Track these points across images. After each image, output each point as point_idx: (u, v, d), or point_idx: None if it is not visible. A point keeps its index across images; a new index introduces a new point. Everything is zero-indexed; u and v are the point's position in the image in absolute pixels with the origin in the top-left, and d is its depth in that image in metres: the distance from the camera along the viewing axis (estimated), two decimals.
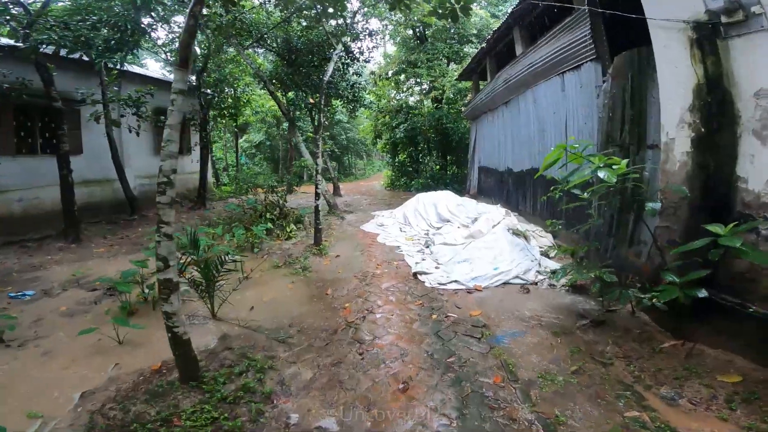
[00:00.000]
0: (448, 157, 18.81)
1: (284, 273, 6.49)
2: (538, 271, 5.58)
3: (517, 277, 5.46)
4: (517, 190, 9.18)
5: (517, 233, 6.69)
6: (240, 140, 28.51)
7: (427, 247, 7.54)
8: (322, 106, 9.24)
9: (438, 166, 18.87)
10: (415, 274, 6.01)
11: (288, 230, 9.31)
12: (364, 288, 5.61)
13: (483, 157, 11.82)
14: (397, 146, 19.24)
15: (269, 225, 9.34)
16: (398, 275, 6.16)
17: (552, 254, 6.34)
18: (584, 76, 6.20)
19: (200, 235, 5.92)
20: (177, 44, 11.68)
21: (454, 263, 6.14)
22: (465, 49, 17.46)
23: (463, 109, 18.10)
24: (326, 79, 8.77)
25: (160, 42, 13.59)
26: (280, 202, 10.63)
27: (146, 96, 9.53)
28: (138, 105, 9.34)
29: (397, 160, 20.18)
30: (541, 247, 6.47)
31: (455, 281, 5.51)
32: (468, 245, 6.75)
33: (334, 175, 16.58)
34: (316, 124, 16.41)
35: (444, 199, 9.31)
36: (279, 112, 22.58)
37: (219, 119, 18.91)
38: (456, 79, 14.73)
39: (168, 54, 13.85)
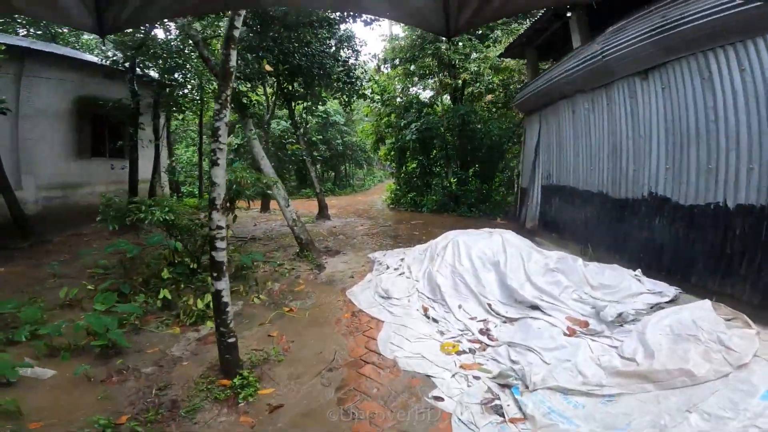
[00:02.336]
0: (471, 169, 14.35)
1: None
2: None
3: None
4: (689, 240, 4.49)
5: None
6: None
7: (507, 386, 3.07)
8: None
9: (455, 180, 14.43)
10: None
11: (197, 306, 4.79)
12: None
13: (555, 171, 7.28)
14: (405, 152, 14.80)
15: (166, 293, 4.86)
16: None
17: None
18: None
19: None
20: None
21: None
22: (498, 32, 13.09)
23: (489, 101, 13.73)
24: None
25: None
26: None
27: None
28: None
29: (404, 170, 15.72)
30: None
31: None
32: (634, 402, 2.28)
33: (320, 189, 12.07)
34: (295, 118, 12.00)
35: (511, 250, 4.80)
36: (262, 111, 18.25)
37: (175, 113, 14.56)
38: (499, 56, 10.30)
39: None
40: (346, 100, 12.72)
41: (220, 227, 2.98)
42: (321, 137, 21.54)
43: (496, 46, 11.90)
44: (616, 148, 5.37)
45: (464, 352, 3.92)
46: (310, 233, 10.00)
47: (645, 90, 4.90)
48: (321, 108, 21.83)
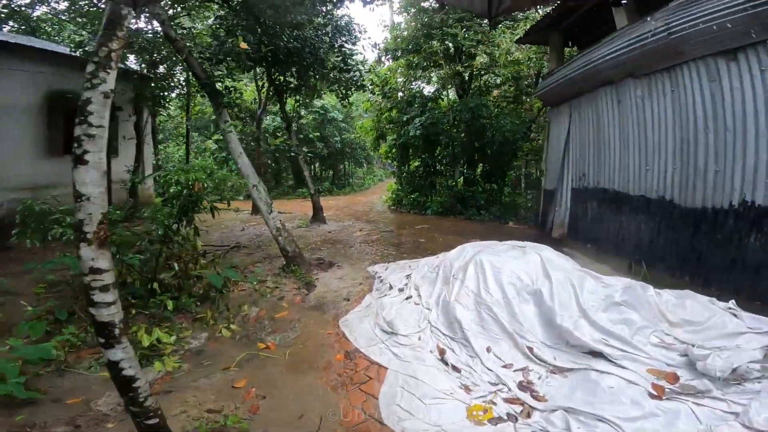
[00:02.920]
0: (479, 167, 13.22)
1: None
2: None
3: None
4: None
5: None
6: (209, 141, 23.01)
7: None
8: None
9: (461, 179, 13.29)
10: None
11: (142, 343, 3.70)
12: None
13: (592, 171, 6.08)
14: (408, 150, 13.64)
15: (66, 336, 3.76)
16: None
17: None
18: None
19: None
20: None
21: None
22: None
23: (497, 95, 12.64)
24: None
25: None
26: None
27: None
28: None
29: (406, 168, 14.56)
30: None
31: None
32: None
33: (314, 190, 10.94)
34: (286, 112, 10.87)
35: (556, 275, 3.65)
36: (254, 105, 17.12)
37: (156, 108, 13.47)
38: (518, 41, 9.10)
39: None
40: (344, 92, 11.58)
41: (96, 270, 1.79)
42: (318, 134, 20.39)
43: (512, 32, 10.78)
44: (687, 144, 4.23)
45: (501, 419, 2.81)
46: (302, 240, 8.89)
47: (733, 73, 3.76)
48: (318, 104, 20.71)
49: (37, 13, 14.36)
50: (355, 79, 11.14)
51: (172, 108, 15.92)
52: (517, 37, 9.85)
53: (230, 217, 13.36)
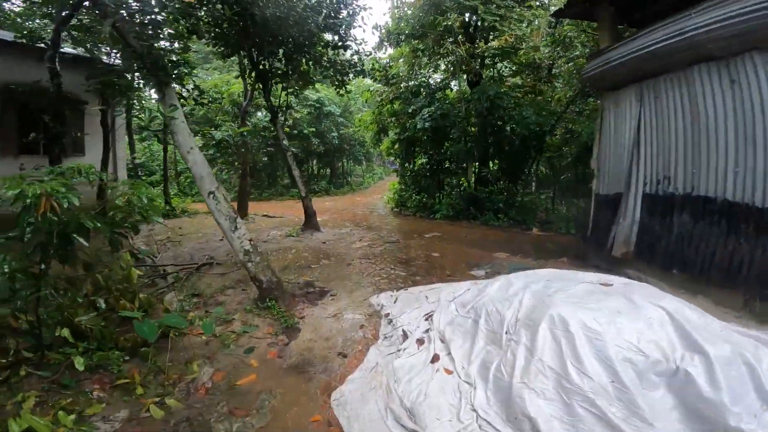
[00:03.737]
0: (492, 164, 11.66)
1: None
2: None
3: None
4: None
5: None
6: (197, 137, 21.35)
7: None
8: None
9: (473, 178, 11.75)
10: None
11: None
12: None
13: (680, 174, 4.39)
14: (414, 145, 12.06)
15: None
16: None
17: None
18: None
19: None
20: None
21: None
22: None
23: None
24: None
25: None
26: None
27: None
28: None
29: (410, 166, 12.98)
30: None
31: None
32: None
33: (306, 192, 9.38)
34: (271, 102, 9.33)
35: (713, 348, 2.06)
36: (241, 98, 15.55)
37: (130, 102, 11.85)
38: (555, 15, 7.46)
39: None
40: (340, 79, 10.02)
41: None
42: (314, 130, 18.79)
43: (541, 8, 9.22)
44: None
45: None
46: (290, 255, 7.35)
47: None
48: (313, 97, 19.10)
49: None
50: (353, 62, 9.59)
51: (148, 99, 14.29)
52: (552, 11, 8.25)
53: (207, 223, 11.84)
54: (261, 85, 8.95)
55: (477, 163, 11.61)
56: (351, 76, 9.95)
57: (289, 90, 10.19)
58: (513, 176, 11.16)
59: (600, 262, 5.50)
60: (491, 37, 10.67)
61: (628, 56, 4.98)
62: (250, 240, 4.39)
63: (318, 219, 11.60)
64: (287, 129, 17.24)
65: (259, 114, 17.87)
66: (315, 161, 22.82)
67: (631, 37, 5.18)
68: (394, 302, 4.55)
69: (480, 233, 9.36)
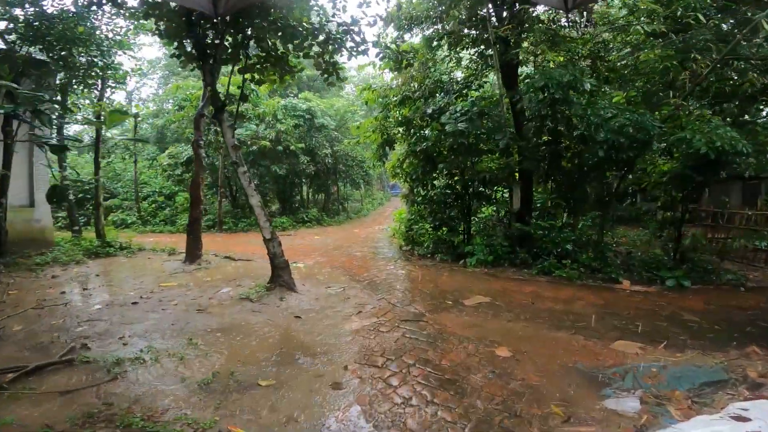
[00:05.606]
0: (547, 186, 8.30)
1: None
2: None
3: None
4: None
5: None
6: (162, 154, 18.12)
7: None
8: None
9: (516, 206, 8.35)
10: None
11: None
12: None
13: None
14: (434, 160, 8.65)
15: None
16: None
17: None
18: None
19: None
20: None
21: None
22: None
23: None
24: None
25: None
26: None
27: None
28: None
29: (428, 188, 9.59)
30: None
31: None
32: None
33: (271, 232, 5.89)
34: (215, 92, 6.07)
35: None
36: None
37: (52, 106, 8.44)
38: None
39: None
40: (331, 64, 6.80)
41: None
42: (302, 146, 15.56)
43: None
44: None
45: None
46: (229, 343, 3.84)
47: None
48: (302, 106, 15.97)
49: None
50: (352, 30, 6.36)
51: (84, 103, 11.08)
52: None
53: (154, 266, 8.46)
54: (199, 62, 5.67)
55: (525, 185, 8.22)
56: (354, 54, 6.65)
57: (257, 77, 6.92)
58: (575, 203, 7.77)
59: None
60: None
61: None
62: None
63: (299, 264, 8.12)
64: (266, 143, 13.96)
65: (246, 127, 14.58)
66: (306, 185, 19.51)
67: None
68: None
69: (550, 294, 5.87)
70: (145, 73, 22.75)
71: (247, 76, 6.66)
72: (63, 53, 8.06)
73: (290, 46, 6.49)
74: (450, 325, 4.67)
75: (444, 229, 9.12)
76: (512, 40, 7.79)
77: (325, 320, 4.90)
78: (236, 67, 6.71)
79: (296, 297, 5.71)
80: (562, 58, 8.65)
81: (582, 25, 9.14)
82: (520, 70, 9.24)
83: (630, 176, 7.26)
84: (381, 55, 6.80)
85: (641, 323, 4.80)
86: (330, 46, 6.43)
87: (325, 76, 7.00)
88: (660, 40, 7.39)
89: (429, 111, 8.21)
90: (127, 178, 18.29)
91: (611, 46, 8.59)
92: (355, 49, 6.76)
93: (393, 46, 7.51)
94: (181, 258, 8.93)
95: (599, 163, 6.66)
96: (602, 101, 6.93)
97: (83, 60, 8.70)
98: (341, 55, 7.03)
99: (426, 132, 8.08)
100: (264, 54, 6.65)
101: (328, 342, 4.24)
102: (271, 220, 6.04)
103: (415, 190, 10.03)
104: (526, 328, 4.65)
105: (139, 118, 18.88)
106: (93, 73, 9.15)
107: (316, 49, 6.57)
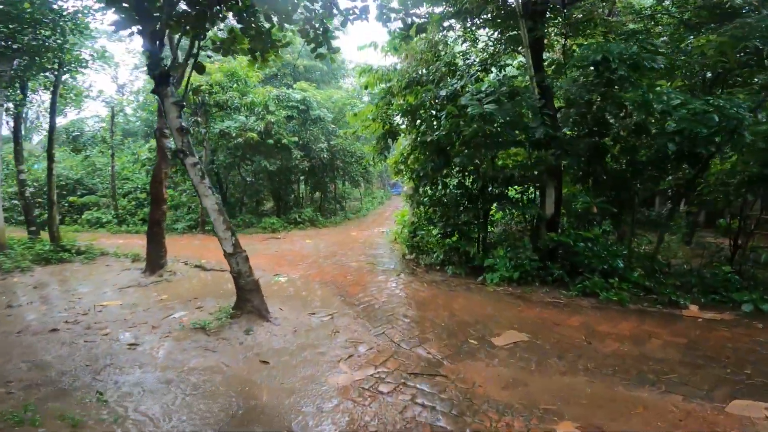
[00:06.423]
0: (584, 188, 6.85)
1: None
2: None
3: None
4: None
5: None
6: (142, 148, 16.70)
7: None
8: None
9: (551, 211, 6.91)
10: None
11: None
12: None
13: None
14: (447, 152, 7.18)
15: None
16: None
17: None
18: None
19: None
20: None
21: None
22: None
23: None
24: None
25: None
26: None
27: None
28: None
29: (435, 190, 8.16)
30: None
31: None
32: None
33: (234, 244, 4.42)
34: (159, 65, 4.60)
35: None
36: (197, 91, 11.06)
37: None
38: None
39: None
40: (321, 30, 5.38)
41: None
42: (296, 140, 14.11)
43: None
44: None
45: None
46: (143, 417, 2.37)
47: None
48: (296, 96, 14.54)
49: None
50: None
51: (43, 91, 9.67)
52: None
53: (107, 277, 7.02)
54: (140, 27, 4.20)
55: (558, 185, 6.75)
56: (350, 19, 5.24)
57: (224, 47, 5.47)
58: (621, 208, 6.33)
59: None
60: None
61: None
62: None
63: (281, 278, 6.71)
64: (253, 134, 12.51)
65: (242, 116, 13.05)
66: (302, 183, 18.05)
67: None
68: None
69: (606, 328, 4.44)
70: (115, 61, 20.50)
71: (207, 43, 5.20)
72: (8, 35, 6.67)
73: (274, 17, 5.06)
74: (480, 383, 3.24)
75: (456, 236, 7.69)
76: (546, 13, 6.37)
77: (303, 368, 3.47)
78: (201, 42, 5.27)
79: (267, 329, 4.28)
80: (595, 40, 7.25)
81: (607, 14, 7.95)
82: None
83: (702, 175, 5.80)
84: (384, 17, 5.37)
85: (750, 369, 3.43)
86: (321, 16, 5.00)
87: (313, 45, 5.58)
88: (703, 28, 6.21)
89: (443, 93, 6.76)
90: (108, 173, 16.83)
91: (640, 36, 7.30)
92: (351, 11, 5.34)
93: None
94: (143, 266, 7.51)
95: (660, 159, 5.22)
96: (660, 87, 5.51)
97: (34, 43, 7.28)
98: (333, 28, 5.63)
99: (446, 113, 6.57)
100: (240, 26, 5.22)
101: (301, 411, 2.83)
102: (233, 229, 4.57)
103: (422, 189, 8.59)
104: (593, 385, 3.23)
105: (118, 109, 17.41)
106: (46, 58, 7.74)
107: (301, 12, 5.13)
